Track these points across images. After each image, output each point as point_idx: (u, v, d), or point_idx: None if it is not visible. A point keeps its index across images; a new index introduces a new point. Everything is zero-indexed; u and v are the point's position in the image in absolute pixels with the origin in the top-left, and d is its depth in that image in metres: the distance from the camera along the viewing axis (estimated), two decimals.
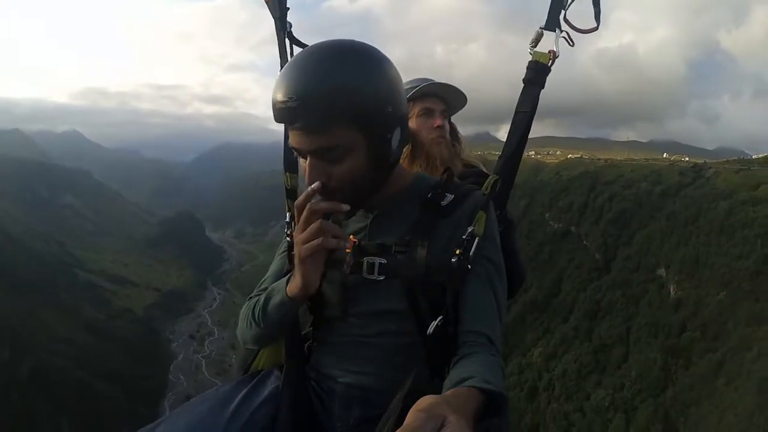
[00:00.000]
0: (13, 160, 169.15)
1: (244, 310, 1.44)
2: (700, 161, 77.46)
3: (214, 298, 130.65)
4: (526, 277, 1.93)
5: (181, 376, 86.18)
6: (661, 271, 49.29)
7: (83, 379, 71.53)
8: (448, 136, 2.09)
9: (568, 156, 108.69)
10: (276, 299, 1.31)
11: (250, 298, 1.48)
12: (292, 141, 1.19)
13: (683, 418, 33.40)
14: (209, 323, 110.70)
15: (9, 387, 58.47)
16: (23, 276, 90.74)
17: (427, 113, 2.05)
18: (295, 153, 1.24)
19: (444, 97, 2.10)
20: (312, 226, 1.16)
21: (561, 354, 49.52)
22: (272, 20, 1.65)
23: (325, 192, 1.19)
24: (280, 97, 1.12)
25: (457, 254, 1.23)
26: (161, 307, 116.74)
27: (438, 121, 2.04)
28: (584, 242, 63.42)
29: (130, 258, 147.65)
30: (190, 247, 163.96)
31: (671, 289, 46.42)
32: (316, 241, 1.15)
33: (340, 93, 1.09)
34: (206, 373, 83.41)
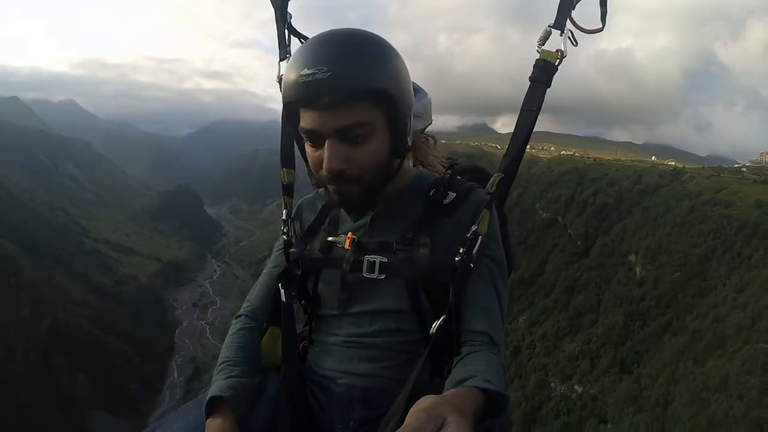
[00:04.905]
0: (15, 127, 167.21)
1: (227, 337, 1.43)
2: (680, 166, 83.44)
3: (215, 270, 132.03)
4: (516, 267, 1.85)
5: (187, 340, 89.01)
6: (632, 257, 55.83)
7: (98, 338, 75.11)
8: None
9: (561, 152, 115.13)
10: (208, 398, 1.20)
11: (238, 315, 1.49)
12: (310, 122, 1.10)
13: (636, 364, 41.13)
14: (211, 293, 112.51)
15: (30, 343, 62.40)
16: (37, 239, 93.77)
17: None
18: (308, 139, 1.15)
19: None
20: None
21: (542, 321, 55.90)
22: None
23: (341, 180, 1.14)
24: (306, 70, 1.03)
25: (460, 253, 1.19)
26: (163, 276, 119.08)
27: None
28: (568, 230, 68.94)
29: (131, 228, 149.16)
30: (190, 221, 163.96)
31: (637, 270, 53.26)
32: None
33: (368, 70, 1.06)
34: (211, 338, 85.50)
